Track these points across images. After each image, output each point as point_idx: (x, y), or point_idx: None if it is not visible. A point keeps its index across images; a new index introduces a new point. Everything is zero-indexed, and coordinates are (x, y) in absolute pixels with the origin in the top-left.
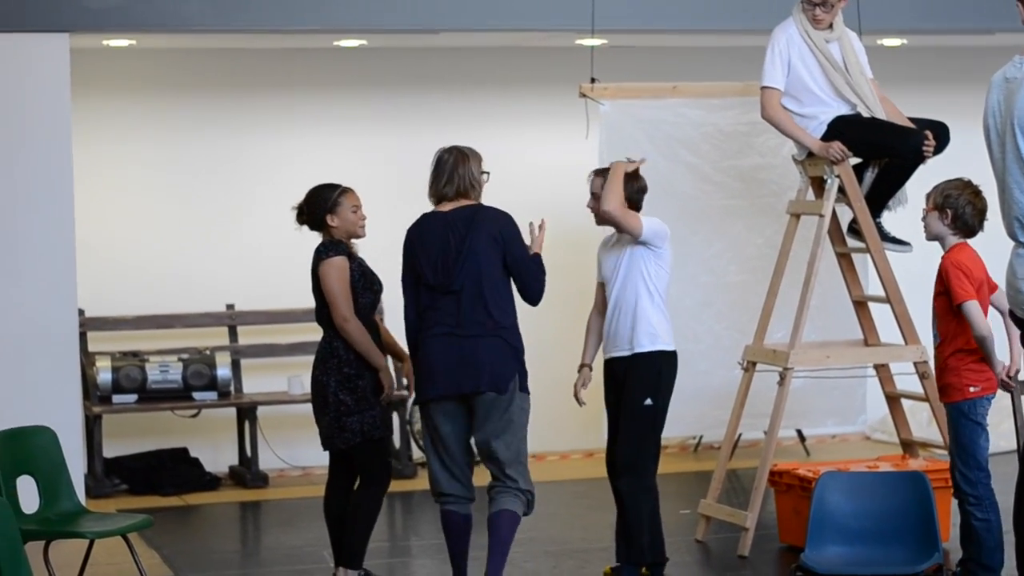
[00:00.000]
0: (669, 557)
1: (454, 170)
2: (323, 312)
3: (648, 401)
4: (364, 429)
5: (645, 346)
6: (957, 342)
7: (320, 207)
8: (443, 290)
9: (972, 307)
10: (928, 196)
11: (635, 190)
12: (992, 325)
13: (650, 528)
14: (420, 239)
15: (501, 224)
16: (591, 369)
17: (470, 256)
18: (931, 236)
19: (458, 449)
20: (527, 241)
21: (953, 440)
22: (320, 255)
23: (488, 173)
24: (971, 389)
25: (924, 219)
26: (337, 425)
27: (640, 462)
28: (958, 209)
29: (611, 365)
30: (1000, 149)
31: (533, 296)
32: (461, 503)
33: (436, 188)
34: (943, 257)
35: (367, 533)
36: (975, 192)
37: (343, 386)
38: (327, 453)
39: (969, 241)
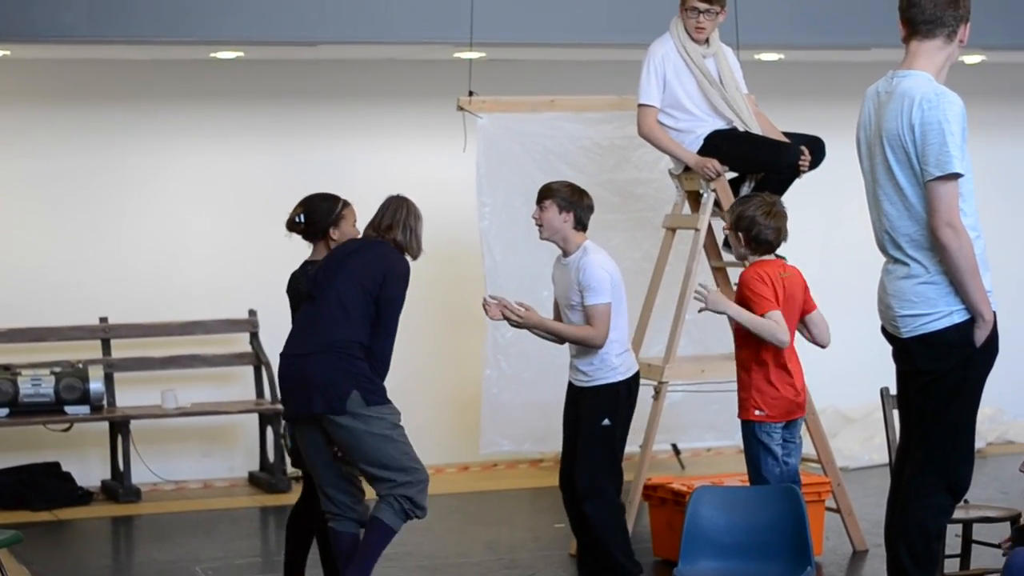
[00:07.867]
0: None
1: (388, 210)
2: None
3: (606, 421)
4: None
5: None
6: (754, 357)
7: (324, 218)
8: (308, 297)
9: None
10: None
11: (583, 208)
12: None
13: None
14: (325, 259)
15: (387, 262)
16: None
17: (339, 274)
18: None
19: (324, 468)
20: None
21: (745, 455)
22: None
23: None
24: (756, 412)
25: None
26: None
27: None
28: (751, 230)
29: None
30: (870, 162)
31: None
32: (339, 520)
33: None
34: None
35: None
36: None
37: None
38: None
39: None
